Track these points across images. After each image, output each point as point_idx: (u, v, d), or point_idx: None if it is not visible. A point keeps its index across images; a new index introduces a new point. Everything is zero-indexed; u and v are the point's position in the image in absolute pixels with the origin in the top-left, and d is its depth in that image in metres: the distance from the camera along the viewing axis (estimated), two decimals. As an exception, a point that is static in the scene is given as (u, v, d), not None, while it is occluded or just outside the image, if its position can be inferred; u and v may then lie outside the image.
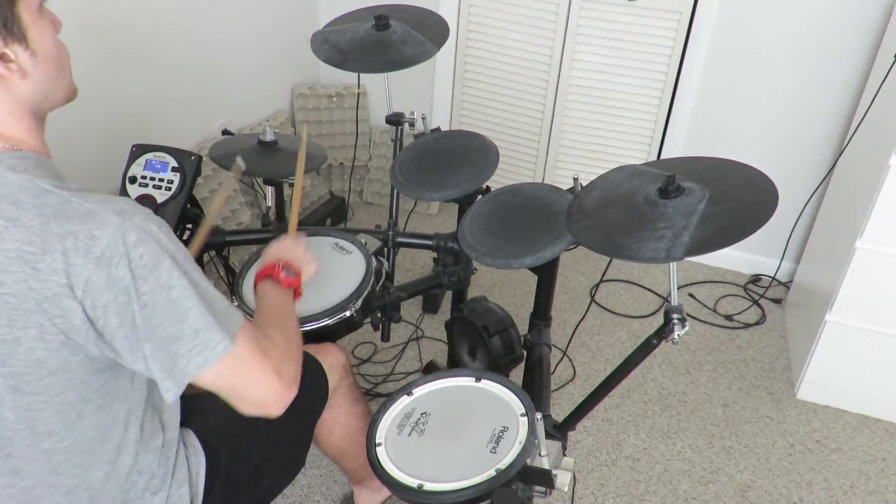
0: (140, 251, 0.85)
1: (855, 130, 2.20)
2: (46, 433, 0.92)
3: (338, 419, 1.51)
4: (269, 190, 2.01)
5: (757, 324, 2.57)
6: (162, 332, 0.87)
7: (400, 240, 2.05)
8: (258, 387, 0.95)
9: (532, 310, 1.90)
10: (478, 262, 1.59)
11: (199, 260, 2.03)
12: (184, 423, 1.16)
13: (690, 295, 2.71)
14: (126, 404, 0.98)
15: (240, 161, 1.71)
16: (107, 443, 0.98)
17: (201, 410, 1.23)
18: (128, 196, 1.77)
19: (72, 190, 0.87)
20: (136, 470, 1.03)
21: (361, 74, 1.98)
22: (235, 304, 1.56)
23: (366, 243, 1.70)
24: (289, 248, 1.29)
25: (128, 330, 0.87)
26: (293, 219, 1.46)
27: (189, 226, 1.90)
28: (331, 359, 1.44)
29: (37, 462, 0.94)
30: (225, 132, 2.16)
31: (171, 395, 0.91)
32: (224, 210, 2.48)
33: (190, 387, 0.95)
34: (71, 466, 0.96)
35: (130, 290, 0.85)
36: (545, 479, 1.17)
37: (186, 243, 1.13)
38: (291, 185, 1.96)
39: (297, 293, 1.24)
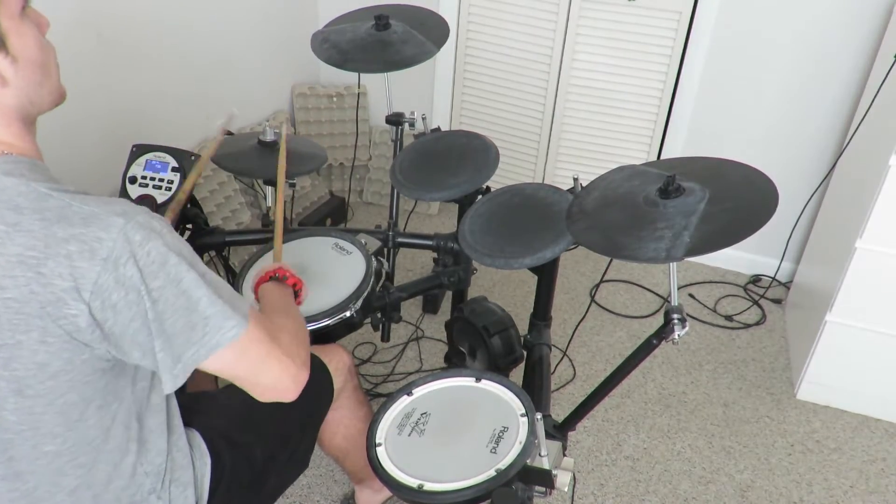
0: (147, 249, 0.86)
1: (855, 130, 2.20)
2: (50, 435, 0.92)
3: (342, 421, 1.51)
4: (269, 190, 2.00)
5: (757, 324, 2.57)
6: (172, 325, 0.88)
7: (400, 240, 2.05)
8: (272, 370, 0.97)
9: (532, 310, 1.90)
10: (478, 262, 1.59)
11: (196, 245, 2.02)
12: (189, 424, 1.16)
13: (690, 295, 2.71)
14: (126, 403, 0.98)
15: (235, 111, 1.70)
16: (109, 442, 0.98)
17: (205, 410, 1.23)
18: (128, 196, 1.77)
19: (70, 193, 0.87)
20: (143, 472, 1.03)
21: (361, 74, 1.98)
22: None
23: (366, 243, 1.70)
24: (284, 265, 1.31)
25: (138, 325, 0.87)
26: (278, 245, 1.42)
27: (189, 226, 1.90)
28: (336, 360, 1.44)
29: (39, 463, 0.93)
30: (225, 132, 2.16)
31: (176, 383, 0.91)
32: (224, 211, 2.48)
33: (192, 384, 0.95)
34: (74, 467, 0.96)
35: (140, 288, 0.85)
36: (545, 479, 1.17)
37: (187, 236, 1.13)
38: (292, 185, 1.96)
39: (297, 298, 1.26)
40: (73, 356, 0.87)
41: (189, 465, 1.11)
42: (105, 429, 0.96)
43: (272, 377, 0.97)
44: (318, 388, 1.39)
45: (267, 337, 0.97)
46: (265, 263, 1.38)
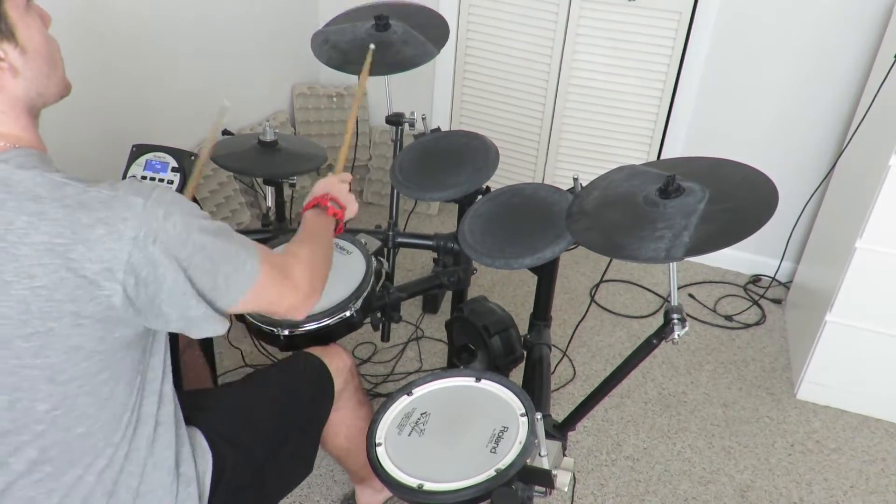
0: (171, 223, 0.90)
1: (855, 130, 2.20)
2: (83, 416, 0.94)
3: (343, 421, 1.51)
4: (269, 190, 2.01)
5: (757, 324, 2.57)
6: (202, 286, 0.95)
7: (400, 240, 2.05)
8: (284, 301, 1.10)
9: (532, 310, 1.90)
10: (478, 262, 1.59)
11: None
12: (189, 422, 1.16)
13: (690, 295, 2.71)
14: (149, 381, 1.03)
15: (227, 102, 1.66)
16: (132, 421, 1.01)
17: (206, 408, 1.23)
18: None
19: (82, 180, 0.90)
20: (153, 463, 1.04)
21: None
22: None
23: (366, 243, 1.70)
24: (336, 185, 1.40)
25: (173, 295, 0.92)
26: (342, 158, 1.61)
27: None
28: (337, 361, 1.44)
29: (72, 446, 0.95)
30: (225, 132, 2.16)
31: (216, 329, 0.99)
32: (224, 211, 2.48)
33: (189, 381, 0.95)
34: (105, 446, 0.98)
35: (169, 261, 0.90)
36: (545, 479, 1.17)
37: None
38: (292, 185, 1.96)
39: (339, 227, 1.37)
40: (105, 334, 0.90)
41: (191, 460, 1.12)
42: (130, 406, 1.00)
43: (286, 305, 1.10)
44: (320, 390, 1.39)
45: (277, 274, 1.07)
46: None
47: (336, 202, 1.37)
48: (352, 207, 1.41)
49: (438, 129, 2.02)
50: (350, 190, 1.44)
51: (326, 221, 1.33)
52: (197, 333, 0.99)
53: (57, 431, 0.93)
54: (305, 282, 1.12)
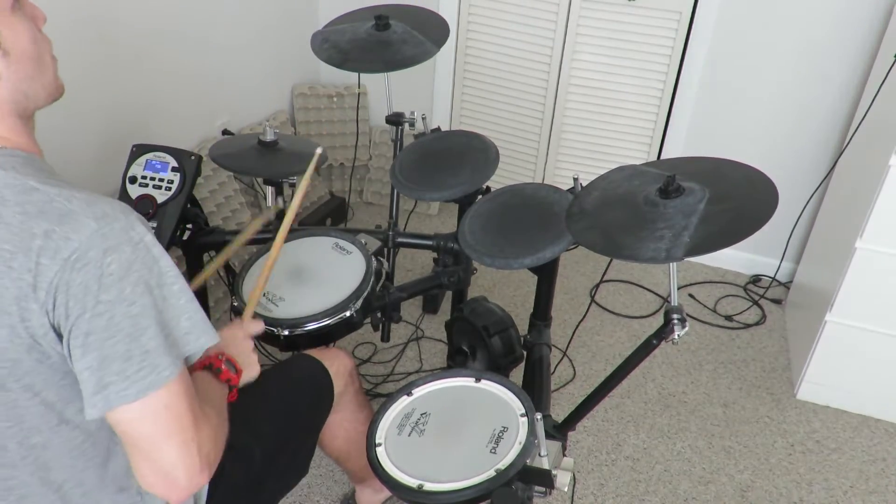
0: (110, 259, 0.81)
1: (855, 131, 2.20)
2: (35, 429, 0.90)
3: (342, 424, 1.51)
4: (269, 190, 2.00)
5: (757, 324, 2.57)
6: (111, 347, 0.83)
7: (400, 240, 2.05)
8: (175, 452, 0.88)
9: (532, 310, 1.90)
10: (478, 262, 1.59)
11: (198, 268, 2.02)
12: None
13: (690, 295, 2.71)
14: None
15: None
16: (97, 446, 0.95)
17: None
18: (128, 196, 1.77)
19: (58, 187, 0.85)
20: (131, 474, 1.02)
21: (361, 74, 1.98)
22: (235, 302, 1.56)
23: (366, 243, 1.70)
24: (238, 342, 1.20)
25: (75, 335, 0.83)
26: (253, 297, 1.35)
27: (189, 226, 1.90)
28: (337, 364, 1.44)
29: (27, 459, 0.92)
30: (225, 132, 2.16)
31: (94, 412, 0.84)
32: (224, 211, 2.48)
33: None
34: (60, 462, 0.94)
35: (89, 297, 0.81)
36: (545, 479, 1.17)
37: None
38: (292, 185, 1.95)
39: (232, 393, 1.12)
40: (41, 357, 0.85)
41: None
42: (91, 432, 0.94)
43: (171, 460, 0.87)
44: (319, 394, 1.39)
45: (190, 416, 0.89)
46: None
47: (232, 364, 1.11)
48: (251, 371, 1.16)
49: (438, 129, 2.02)
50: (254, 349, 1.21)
51: (220, 388, 1.08)
52: (85, 405, 0.84)
53: (12, 439, 0.90)
54: (207, 450, 0.91)
